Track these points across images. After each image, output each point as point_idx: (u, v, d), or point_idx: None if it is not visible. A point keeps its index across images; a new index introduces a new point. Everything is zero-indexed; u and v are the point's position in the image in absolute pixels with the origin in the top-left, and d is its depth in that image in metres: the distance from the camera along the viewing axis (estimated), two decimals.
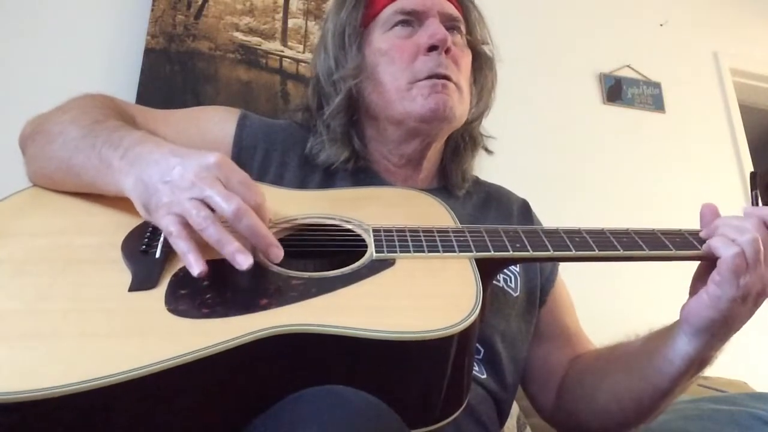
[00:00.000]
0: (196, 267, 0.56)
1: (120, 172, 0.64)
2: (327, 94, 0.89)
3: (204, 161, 0.60)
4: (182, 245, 0.57)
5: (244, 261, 0.56)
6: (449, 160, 0.95)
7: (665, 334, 0.71)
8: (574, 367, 0.87)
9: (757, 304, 0.66)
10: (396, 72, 0.84)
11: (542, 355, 0.89)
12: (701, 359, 0.68)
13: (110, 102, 0.82)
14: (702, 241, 0.68)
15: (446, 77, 0.83)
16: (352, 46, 0.87)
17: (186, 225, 0.58)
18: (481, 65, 0.94)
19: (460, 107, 0.86)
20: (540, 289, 0.90)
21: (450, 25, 0.88)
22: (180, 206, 0.58)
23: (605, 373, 0.80)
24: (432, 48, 0.83)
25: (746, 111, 2.76)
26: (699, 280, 0.69)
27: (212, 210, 0.58)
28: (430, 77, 0.83)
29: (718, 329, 0.65)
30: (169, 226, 0.58)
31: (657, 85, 2.54)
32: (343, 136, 0.88)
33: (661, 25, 2.67)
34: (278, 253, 0.60)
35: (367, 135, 0.90)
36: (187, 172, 0.59)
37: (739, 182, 2.53)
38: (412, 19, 0.86)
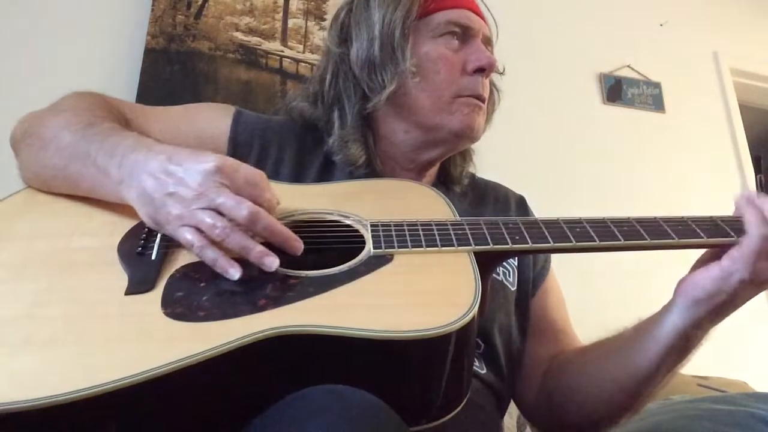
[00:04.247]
0: (233, 271, 0.58)
1: (121, 183, 0.64)
2: (357, 82, 0.87)
3: (204, 167, 0.60)
4: (210, 254, 0.58)
5: (272, 263, 0.58)
6: (448, 161, 0.95)
7: (654, 316, 0.71)
8: (558, 360, 0.86)
9: (758, 291, 0.66)
10: (442, 83, 0.85)
11: (527, 349, 0.89)
12: (687, 337, 0.67)
13: (102, 101, 0.81)
14: (706, 229, 0.66)
15: (484, 100, 0.87)
16: (408, 40, 0.85)
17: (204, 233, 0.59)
18: (492, 89, 0.95)
19: (483, 128, 0.89)
20: (531, 282, 0.90)
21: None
22: (193, 218, 0.59)
23: (589, 361, 0.80)
24: (479, 70, 0.85)
25: (746, 111, 2.76)
26: (709, 259, 0.68)
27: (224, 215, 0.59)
28: (471, 96, 0.85)
29: (713, 306, 0.65)
30: (188, 237, 0.58)
31: (657, 85, 2.54)
32: (359, 132, 0.87)
33: (661, 25, 2.67)
34: (298, 246, 0.61)
35: (381, 133, 0.89)
36: (191, 181, 0.59)
37: (739, 182, 2.53)
38: (461, 33, 0.87)
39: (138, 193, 0.62)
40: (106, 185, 0.66)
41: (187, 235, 0.59)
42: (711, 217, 0.68)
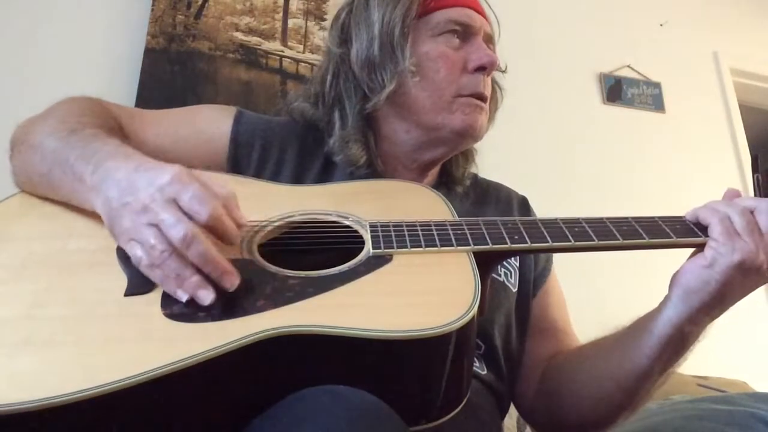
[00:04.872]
0: (180, 293, 0.55)
1: (92, 190, 0.62)
2: (357, 82, 0.87)
3: (157, 180, 0.57)
4: (157, 274, 0.56)
5: (205, 297, 0.55)
6: (449, 161, 0.95)
7: (650, 312, 0.71)
8: (555, 360, 0.86)
9: (757, 282, 0.66)
10: (442, 82, 0.84)
11: (527, 350, 0.89)
12: (682, 331, 0.67)
13: (96, 106, 0.80)
14: (704, 228, 0.67)
15: (486, 99, 0.86)
16: (407, 39, 0.85)
17: None
18: (494, 87, 0.95)
19: (485, 127, 0.89)
20: (533, 283, 0.91)
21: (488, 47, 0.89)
22: (138, 234, 0.56)
23: (586, 359, 0.80)
24: (480, 68, 0.85)
25: (746, 111, 2.76)
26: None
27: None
28: (472, 95, 0.85)
29: (707, 297, 0.65)
30: (137, 253, 0.56)
31: (657, 85, 2.54)
32: (360, 132, 0.86)
33: (661, 25, 2.67)
34: (232, 280, 0.56)
35: (382, 133, 0.89)
36: (141, 194, 0.57)
37: (739, 182, 2.53)
38: (461, 31, 0.87)
39: (102, 201, 0.61)
40: (80, 192, 0.64)
41: (136, 251, 0.56)
42: None
